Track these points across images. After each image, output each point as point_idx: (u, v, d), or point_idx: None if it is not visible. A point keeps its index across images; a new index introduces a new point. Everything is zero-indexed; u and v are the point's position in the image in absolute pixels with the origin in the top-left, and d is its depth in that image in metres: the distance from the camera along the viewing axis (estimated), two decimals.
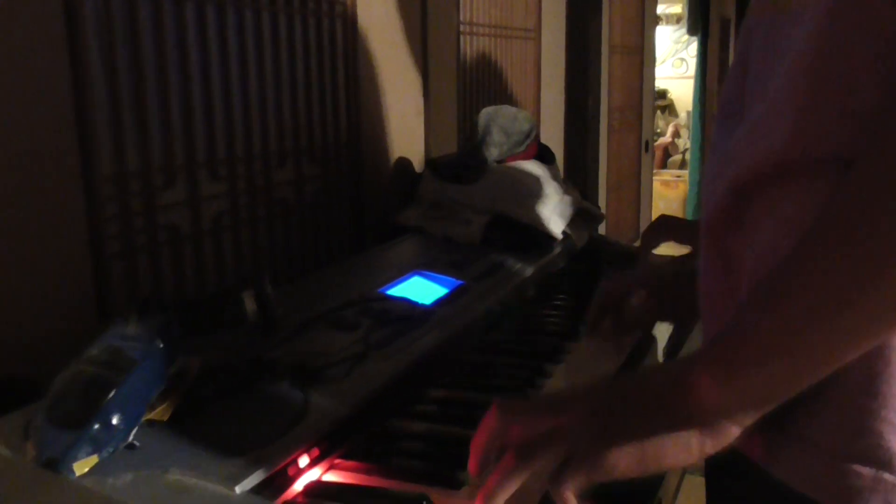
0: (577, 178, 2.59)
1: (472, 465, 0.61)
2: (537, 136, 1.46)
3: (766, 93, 0.58)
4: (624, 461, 0.55)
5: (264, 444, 0.65)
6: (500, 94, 2.09)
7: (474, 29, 1.91)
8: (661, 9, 7.12)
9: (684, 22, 6.59)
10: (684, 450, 0.55)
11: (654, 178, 4.70)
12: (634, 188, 3.43)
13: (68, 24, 0.91)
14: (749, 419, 0.54)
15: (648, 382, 0.59)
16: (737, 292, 0.61)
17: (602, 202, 2.91)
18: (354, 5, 1.42)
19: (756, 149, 0.57)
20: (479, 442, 0.61)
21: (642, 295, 0.97)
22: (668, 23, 7.40)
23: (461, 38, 1.84)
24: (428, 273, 1.14)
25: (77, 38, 0.92)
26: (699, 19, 4.99)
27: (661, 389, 0.57)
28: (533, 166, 1.41)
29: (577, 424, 0.58)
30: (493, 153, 1.40)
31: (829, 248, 0.48)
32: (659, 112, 7.35)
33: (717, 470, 0.58)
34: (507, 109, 1.43)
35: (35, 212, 0.89)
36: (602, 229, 2.54)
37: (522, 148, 1.42)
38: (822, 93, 0.52)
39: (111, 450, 0.61)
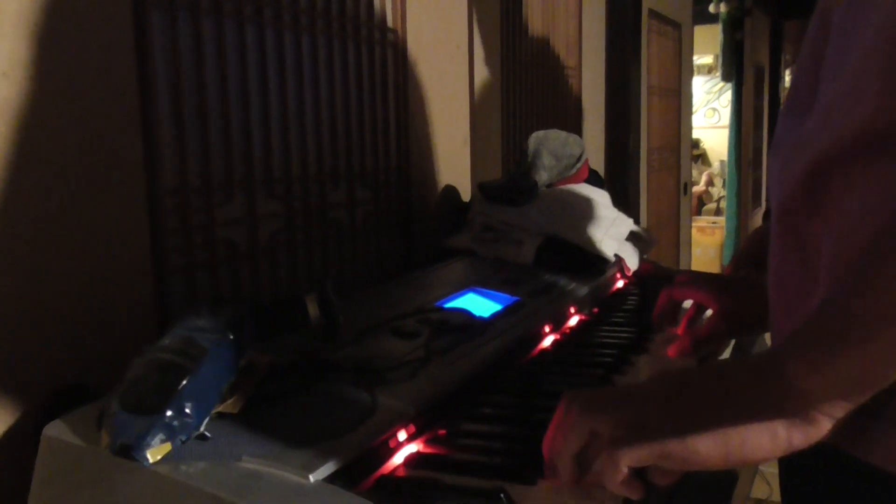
0: None
1: (546, 467, 0.59)
2: (587, 160, 1.45)
3: (843, 73, 0.57)
4: (704, 447, 0.52)
5: (335, 437, 0.63)
6: (543, 127, 2.10)
7: (518, 64, 1.93)
8: (693, 59, 7.18)
9: (716, 72, 6.62)
10: (770, 441, 0.52)
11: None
12: (674, 229, 3.40)
13: (137, 44, 0.93)
14: (841, 410, 0.51)
15: (732, 369, 0.56)
16: (813, 281, 0.58)
17: None
18: (405, 34, 1.44)
19: (835, 128, 0.55)
20: (550, 436, 0.60)
21: (710, 311, 0.95)
22: (699, 73, 7.44)
23: (506, 72, 1.86)
24: (483, 290, 1.13)
25: (145, 57, 0.94)
26: (733, 67, 5.01)
27: (746, 376, 0.55)
28: (584, 189, 1.40)
29: (652, 403, 0.55)
30: (542, 177, 1.39)
31: None
32: (692, 161, 7.33)
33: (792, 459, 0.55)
34: (556, 133, 1.43)
35: (102, 223, 0.90)
36: None
37: (573, 172, 1.42)
38: None
39: (184, 438, 0.60)
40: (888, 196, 0.52)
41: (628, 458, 0.53)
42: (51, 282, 0.85)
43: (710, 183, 7.50)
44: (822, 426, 0.52)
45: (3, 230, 0.80)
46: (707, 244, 5.99)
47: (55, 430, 0.63)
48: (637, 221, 2.69)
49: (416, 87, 1.49)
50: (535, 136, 1.43)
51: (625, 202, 2.64)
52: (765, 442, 0.52)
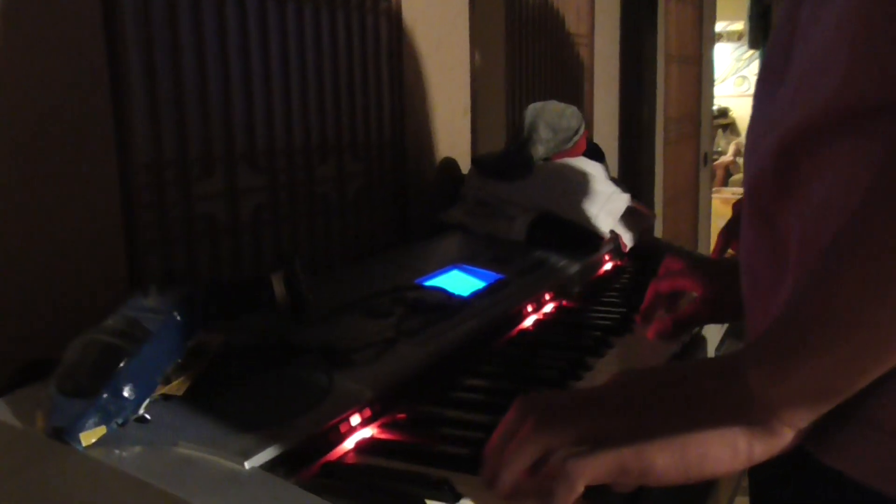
0: (632, 189, 2.53)
1: (485, 468, 0.56)
2: (585, 133, 1.41)
3: (813, 45, 0.53)
4: (661, 460, 0.49)
5: (280, 422, 0.62)
6: (553, 98, 2.05)
7: (524, 31, 1.88)
8: (721, 26, 6.99)
9: (745, 39, 6.45)
10: (730, 452, 0.49)
11: (715, 195, 4.58)
12: (692, 201, 3.33)
13: (105, 10, 0.91)
14: (804, 420, 0.48)
15: (694, 374, 0.53)
16: (783, 268, 0.55)
17: (658, 213, 2.83)
18: (399, 2, 1.40)
19: (803, 103, 0.51)
20: (496, 441, 0.56)
21: (695, 294, 0.92)
22: (728, 40, 7.26)
23: (510, 39, 1.81)
24: (468, 267, 1.10)
25: (114, 23, 0.91)
26: (760, 34, 4.87)
27: (708, 383, 0.51)
28: (581, 163, 1.37)
29: (610, 414, 0.52)
30: (539, 150, 1.36)
31: (889, 214, 0.43)
32: (721, 131, 7.19)
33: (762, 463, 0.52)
34: (554, 105, 1.39)
35: (70, 197, 0.89)
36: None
37: (570, 145, 1.38)
38: (877, 33, 0.46)
39: (121, 421, 0.59)
40: (853, 181, 0.48)
41: (584, 475, 0.50)
42: (18, 257, 0.84)
43: (738, 153, 7.36)
44: (785, 437, 0.48)
45: None
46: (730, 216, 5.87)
47: None
48: (650, 195, 2.64)
49: (412, 57, 1.45)
50: (532, 108, 1.39)
51: (639, 174, 2.59)
52: (724, 455, 0.49)
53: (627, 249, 1.33)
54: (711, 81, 3.57)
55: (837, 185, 0.50)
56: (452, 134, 1.59)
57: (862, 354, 0.44)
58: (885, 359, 0.44)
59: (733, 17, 6.85)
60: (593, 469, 0.49)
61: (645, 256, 1.35)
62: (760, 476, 0.62)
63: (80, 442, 0.57)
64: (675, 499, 0.71)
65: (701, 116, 3.34)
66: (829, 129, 0.50)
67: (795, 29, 0.56)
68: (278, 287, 0.82)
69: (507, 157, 1.36)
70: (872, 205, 0.44)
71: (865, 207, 0.44)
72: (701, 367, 0.55)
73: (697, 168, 3.35)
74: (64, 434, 0.57)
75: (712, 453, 0.49)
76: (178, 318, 0.65)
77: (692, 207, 3.36)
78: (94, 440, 0.57)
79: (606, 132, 2.46)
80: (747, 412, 0.48)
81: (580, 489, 0.50)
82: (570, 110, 1.40)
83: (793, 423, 0.48)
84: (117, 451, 0.57)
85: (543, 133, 1.36)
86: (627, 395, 0.53)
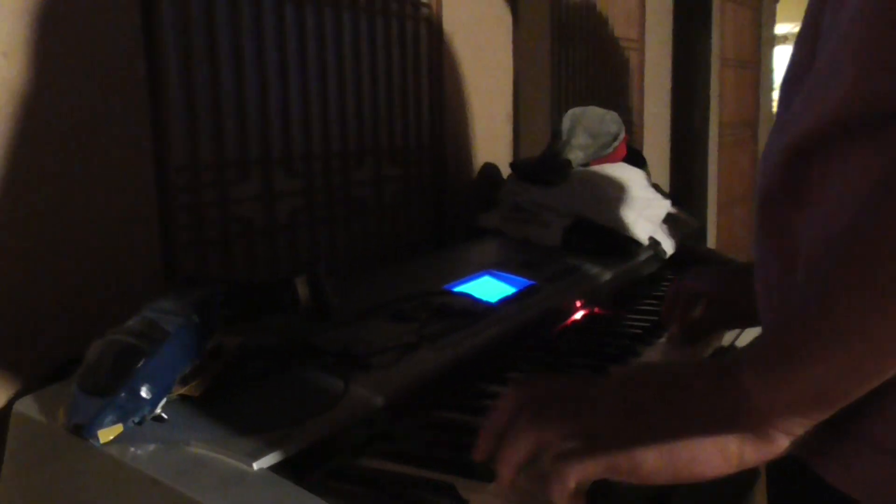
0: (684, 194, 2.48)
1: (479, 448, 0.56)
2: (626, 138, 1.39)
3: (828, 47, 0.51)
4: (651, 461, 0.49)
5: (291, 424, 0.63)
6: (599, 103, 2.03)
7: (569, 35, 1.86)
8: (786, 28, 6.79)
9: None
10: (721, 456, 0.48)
11: None
12: (748, 207, 3.26)
13: (144, 13, 0.93)
14: (799, 427, 0.47)
15: (689, 376, 0.52)
16: (792, 274, 0.54)
17: (711, 220, 2.78)
18: (440, 8, 1.41)
19: (815, 107, 0.50)
20: (491, 425, 0.56)
21: (705, 302, 0.91)
22: (793, 42, 7.05)
23: (556, 44, 1.80)
24: (499, 273, 1.10)
25: (152, 28, 0.94)
26: None
27: (702, 385, 0.50)
28: (620, 169, 1.35)
29: (603, 411, 0.52)
30: (577, 156, 1.35)
31: (887, 222, 0.41)
32: None
33: (778, 471, 0.51)
34: (593, 110, 1.38)
35: (106, 199, 0.91)
36: (711, 247, 2.41)
37: (609, 150, 1.36)
38: (884, 41, 0.45)
39: (137, 420, 0.61)
40: (860, 187, 0.47)
41: (575, 475, 0.50)
42: (55, 258, 0.87)
43: None
44: (778, 443, 0.47)
45: (12, 208, 0.82)
46: None
47: (24, 407, 0.65)
48: (703, 201, 2.59)
49: (452, 63, 1.46)
50: (571, 114, 1.38)
51: (690, 180, 2.54)
52: (714, 458, 0.48)
53: (668, 256, 1.30)
54: (770, 86, 3.48)
55: (843, 191, 0.49)
56: (494, 139, 1.59)
57: (858, 363, 0.43)
58: (882, 368, 0.43)
59: (798, 20, 6.65)
60: (584, 470, 0.50)
61: (687, 264, 1.32)
62: (774, 474, 0.61)
63: (97, 438, 0.59)
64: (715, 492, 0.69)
65: (759, 122, 3.27)
66: (836, 136, 0.49)
67: (817, 35, 0.55)
68: (302, 290, 0.84)
69: (544, 161, 1.35)
70: (871, 212, 0.43)
71: (864, 214, 0.43)
72: (698, 368, 0.54)
73: (754, 174, 3.28)
74: (83, 430, 0.59)
75: (702, 457, 0.48)
76: (196, 320, 0.66)
77: (748, 214, 3.28)
78: (111, 437, 0.59)
79: (657, 137, 2.42)
80: (741, 417, 0.48)
81: (572, 486, 0.50)
82: (610, 115, 1.39)
83: (787, 429, 0.47)
84: (132, 449, 0.59)
85: (582, 138, 1.35)
86: (623, 393, 0.53)
